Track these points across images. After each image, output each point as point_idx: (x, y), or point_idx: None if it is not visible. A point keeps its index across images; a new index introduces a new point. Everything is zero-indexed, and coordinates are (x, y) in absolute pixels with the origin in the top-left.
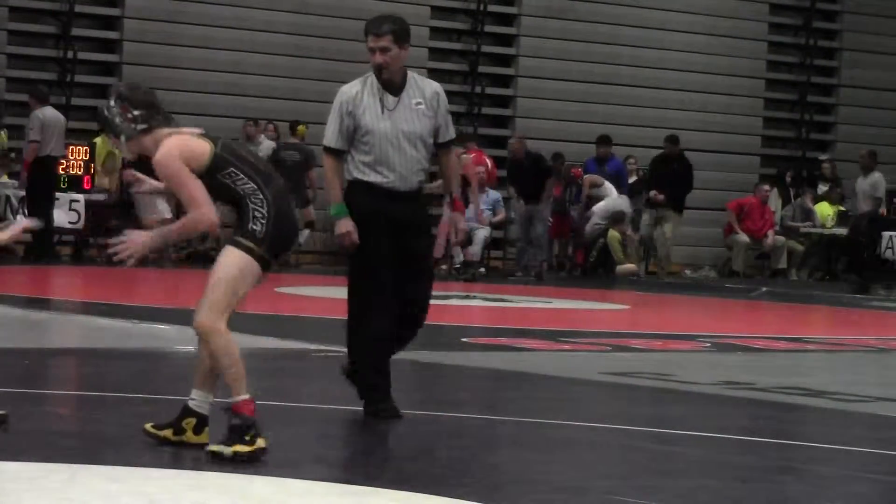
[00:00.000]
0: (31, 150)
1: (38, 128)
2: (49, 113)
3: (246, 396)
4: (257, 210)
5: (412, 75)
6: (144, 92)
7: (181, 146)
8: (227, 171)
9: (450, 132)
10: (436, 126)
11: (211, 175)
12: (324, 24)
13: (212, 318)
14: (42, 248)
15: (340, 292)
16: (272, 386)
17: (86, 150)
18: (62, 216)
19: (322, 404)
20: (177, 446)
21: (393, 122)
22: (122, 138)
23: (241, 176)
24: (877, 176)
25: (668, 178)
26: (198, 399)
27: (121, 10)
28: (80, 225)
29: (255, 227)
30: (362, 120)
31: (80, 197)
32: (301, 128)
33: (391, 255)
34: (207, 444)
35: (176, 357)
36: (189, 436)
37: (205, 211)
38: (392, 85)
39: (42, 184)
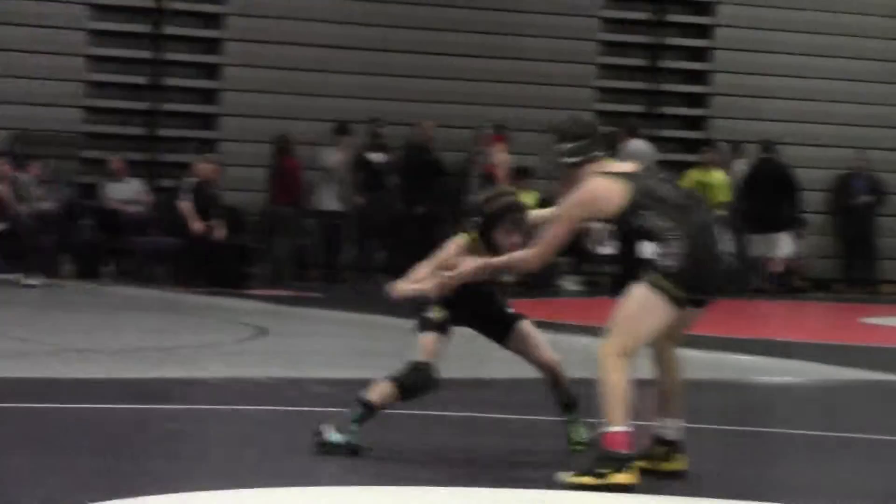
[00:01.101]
0: None
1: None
2: (640, 146)
3: (617, 428)
4: (671, 246)
5: None
6: (576, 123)
7: (594, 193)
8: (639, 212)
9: None
10: None
11: (624, 216)
12: None
13: (607, 349)
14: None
15: None
16: (859, 417)
17: None
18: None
19: None
20: (655, 474)
21: None
22: (559, 178)
23: (655, 215)
24: None
25: None
26: (662, 426)
27: (711, 41)
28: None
29: (665, 262)
30: None
31: None
32: None
33: None
34: (684, 470)
35: (754, 388)
36: (660, 464)
37: (531, 258)
38: None
39: None
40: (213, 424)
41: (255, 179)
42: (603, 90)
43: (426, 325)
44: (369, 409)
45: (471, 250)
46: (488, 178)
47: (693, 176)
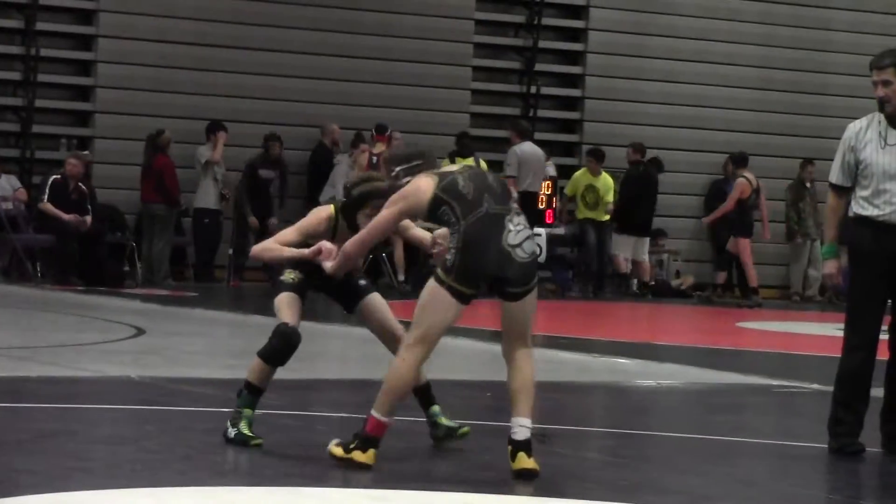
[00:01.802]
0: (507, 185)
1: (514, 163)
2: (527, 148)
3: (380, 416)
4: (452, 241)
5: None
6: (407, 149)
7: (413, 185)
8: (441, 209)
9: None
10: None
11: (432, 213)
12: (788, 56)
13: (406, 338)
14: None
15: (802, 328)
16: (732, 420)
17: (548, 184)
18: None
19: (780, 440)
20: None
21: (893, 156)
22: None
23: (448, 211)
24: None
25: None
26: (511, 426)
27: (584, 45)
28: (541, 259)
29: (448, 257)
30: (862, 154)
31: (542, 231)
32: None
33: (881, 292)
34: (532, 468)
35: (636, 391)
36: (511, 463)
37: (355, 242)
38: (894, 119)
39: None
40: (92, 424)
41: (130, 177)
42: (478, 92)
43: (280, 287)
44: (251, 390)
45: (334, 224)
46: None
47: (582, 180)
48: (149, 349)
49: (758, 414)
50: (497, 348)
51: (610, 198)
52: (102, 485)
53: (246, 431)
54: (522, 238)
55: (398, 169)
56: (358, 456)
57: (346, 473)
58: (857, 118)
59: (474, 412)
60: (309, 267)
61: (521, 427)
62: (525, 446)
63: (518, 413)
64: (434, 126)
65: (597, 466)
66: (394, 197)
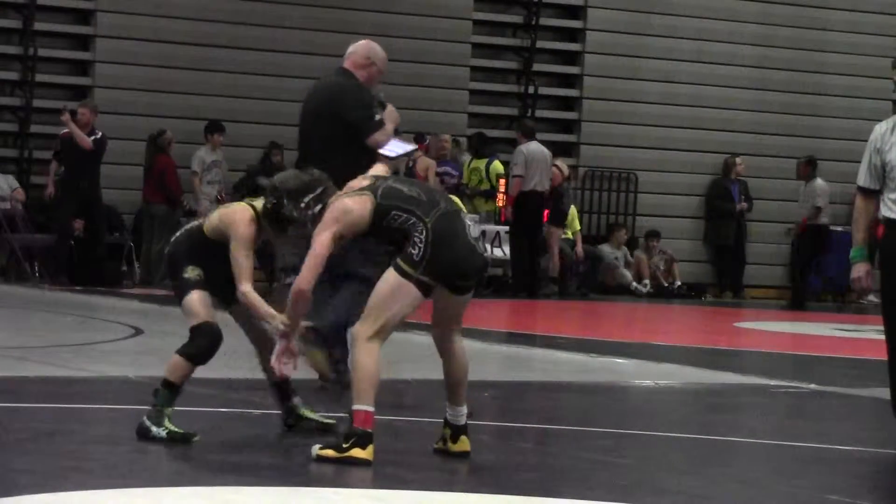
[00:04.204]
0: (514, 184)
1: (521, 163)
2: (534, 147)
3: (363, 407)
4: (417, 236)
5: None
6: (298, 178)
7: (339, 216)
8: (390, 215)
9: None
10: None
11: (377, 224)
12: (785, 57)
13: (360, 332)
14: (528, 284)
15: (800, 328)
16: (730, 420)
17: None
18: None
19: (778, 440)
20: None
21: None
22: (309, 226)
23: (403, 215)
24: None
25: None
26: (450, 412)
27: (582, 45)
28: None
29: (412, 250)
30: (888, 156)
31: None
32: None
33: None
34: (469, 450)
35: (634, 391)
36: (449, 445)
37: (302, 284)
38: None
39: (526, 218)
40: (90, 424)
41: (128, 177)
42: (476, 92)
43: (186, 285)
44: (171, 388)
45: (256, 222)
46: None
47: None
48: (147, 349)
49: (756, 414)
50: (497, 349)
51: (577, 225)
52: (100, 485)
53: (176, 429)
54: (477, 233)
55: (306, 199)
56: (358, 453)
57: (345, 473)
58: (854, 118)
59: (473, 412)
60: (208, 262)
61: (462, 415)
62: (466, 430)
63: (458, 403)
64: (432, 126)
65: (595, 466)
66: (325, 221)
